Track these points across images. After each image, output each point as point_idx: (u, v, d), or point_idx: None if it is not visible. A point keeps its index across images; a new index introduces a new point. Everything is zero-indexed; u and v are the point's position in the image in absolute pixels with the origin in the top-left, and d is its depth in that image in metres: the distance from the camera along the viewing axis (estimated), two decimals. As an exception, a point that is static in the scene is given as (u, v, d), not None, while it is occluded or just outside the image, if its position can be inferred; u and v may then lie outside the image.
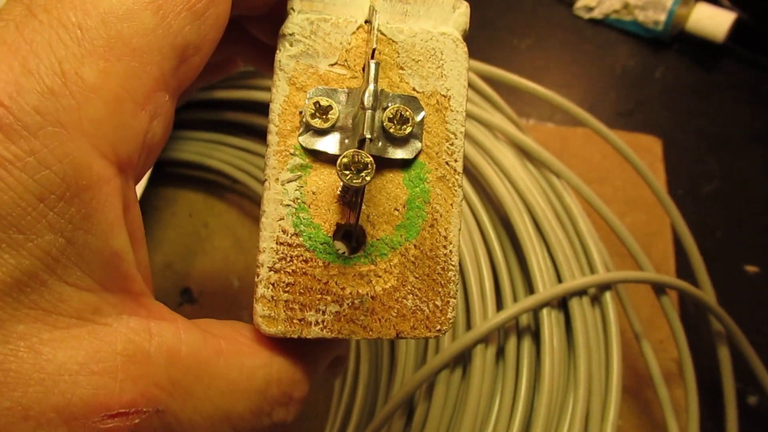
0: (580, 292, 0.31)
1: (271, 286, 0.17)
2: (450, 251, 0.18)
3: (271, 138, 0.18)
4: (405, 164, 0.18)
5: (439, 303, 0.18)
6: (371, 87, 0.17)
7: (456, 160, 0.18)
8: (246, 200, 0.44)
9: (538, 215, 0.32)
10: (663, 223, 0.46)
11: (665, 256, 0.45)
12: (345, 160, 0.16)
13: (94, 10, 0.15)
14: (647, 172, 0.36)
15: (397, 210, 0.18)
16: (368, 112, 0.16)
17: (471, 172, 0.35)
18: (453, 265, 0.18)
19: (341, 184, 0.18)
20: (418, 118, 0.18)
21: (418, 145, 0.18)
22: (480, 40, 0.53)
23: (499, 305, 0.31)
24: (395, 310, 0.18)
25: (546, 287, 0.31)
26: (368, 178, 0.16)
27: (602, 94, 0.51)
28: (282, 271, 0.17)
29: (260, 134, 0.40)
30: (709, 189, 0.48)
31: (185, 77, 0.16)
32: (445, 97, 0.18)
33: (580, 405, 0.29)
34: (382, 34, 0.18)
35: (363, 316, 0.18)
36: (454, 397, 0.29)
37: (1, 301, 0.13)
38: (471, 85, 0.38)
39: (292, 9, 0.18)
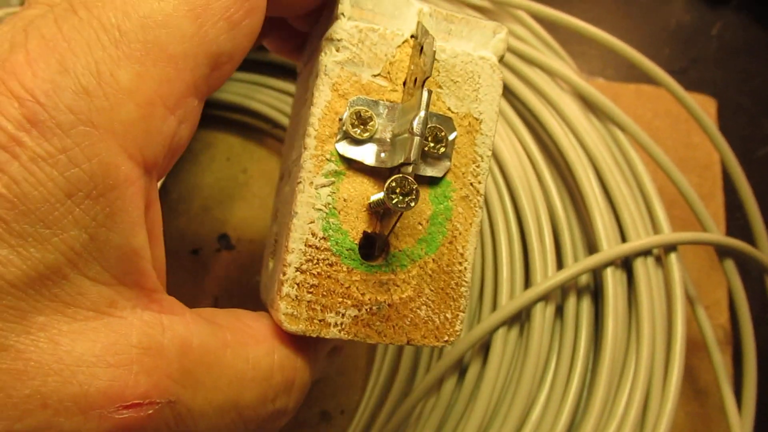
0: (645, 252, 0.29)
1: (296, 286, 0.18)
2: (465, 268, 0.19)
3: (309, 141, 0.18)
4: (432, 181, 0.18)
5: (449, 315, 0.19)
6: (422, 114, 0.16)
7: (480, 182, 0.19)
8: (284, 147, 0.42)
9: (603, 170, 0.31)
10: (714, 185, 0.45)
11: (716, 220, 0.43)
12: (393, 184, 0.16)
13: (135, 13, 0.15)
14: (713, 128, 0.34)
15: (421, 224, 0.19)
16: (416, 138, 0.16)
17: (531, 124, 0.33)
18: (466, 281, 0.19)
19: (375, 196, 0.18)
20: (450, 138, 0.18)
21: (447, 164, 0.18)
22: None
23: (559, 263, 0.30)
24: (409, 319, 0.19)
25: (610, 246, 0.29)
26: (412, 204, 0.16)
27: (655, 50, 0.49)
28: (308, 273, 0.18)
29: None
30: (762, 153, 0.46)
31: (216, 83, 0.16)
32: (477, 120, 0.18)
33: (643, 368, 0.28)
34: (423, 52, 0.17)
35: (379, 322, 0.18)
36: (510, 356, 0.28)
37: (24, 294, 0.13)
38: (529, 28, 0.36)
39: (342, 14, 0.18)
